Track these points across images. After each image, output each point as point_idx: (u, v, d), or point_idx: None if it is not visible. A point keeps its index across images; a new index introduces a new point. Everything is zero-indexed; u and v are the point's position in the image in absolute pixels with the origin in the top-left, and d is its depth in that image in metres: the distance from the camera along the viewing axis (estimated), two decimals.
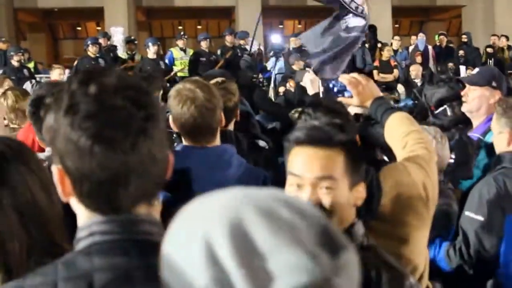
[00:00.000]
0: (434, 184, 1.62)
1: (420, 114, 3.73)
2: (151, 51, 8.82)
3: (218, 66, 8.33)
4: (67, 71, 8.15)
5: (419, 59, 10.26)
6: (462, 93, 2.95)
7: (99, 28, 16.36)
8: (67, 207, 0.92)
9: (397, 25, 18.18)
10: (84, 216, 0.87)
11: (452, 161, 2.62)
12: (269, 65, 9.24)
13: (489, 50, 11.02)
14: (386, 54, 9.57)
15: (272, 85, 8.07)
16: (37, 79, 8.37)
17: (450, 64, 10.06)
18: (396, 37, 10.71)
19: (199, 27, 18.92)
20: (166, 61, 9.30)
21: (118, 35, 12.52)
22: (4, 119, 3.48)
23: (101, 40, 9.45)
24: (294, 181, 1.29)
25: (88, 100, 0.80)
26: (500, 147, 2.28)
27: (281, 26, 19.52)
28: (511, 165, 2.20)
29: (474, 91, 2.86)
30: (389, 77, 9.33)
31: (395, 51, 10.15)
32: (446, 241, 2.25)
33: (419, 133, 1.74)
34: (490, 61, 10.58)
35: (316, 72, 4.05)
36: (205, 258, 0.64)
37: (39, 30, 18.26)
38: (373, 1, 14.32)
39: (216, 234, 0.64)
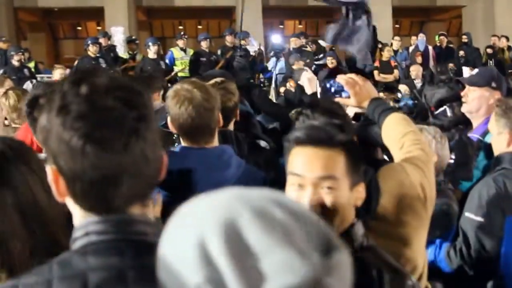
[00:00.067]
0: (431, 185, 1.63)
1: (420, 114, 3.74)
2: (152, 51, 8.82)
3: (218, 66, 8.33)
4: (68, 71, 8.15)
5: (419, 59, 10.26)
6: (462, 94, 2.95)
7: (99, 28, 16.35)
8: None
9: (397, 26, 18.18)
10: (79, 216, 0.88)
11: (452, 161, 2.63)
12: (269, 65, 9.24)
13: (489, 50, 11.02)
14: (386, 54, 9.57)
15: (273, 85, 8.07)
16: (38, 79, 8.37)
17: (451, 65, 10.06)
18: (396, 38, 10.71)
19: (199, 27, 18.92)
20: (167, 61, 9.30)
21: (118, 35, 12.53)
22: (5, 119, 3.49)
23: (101, 40, 9.43)
24: (295, 181, 1.29)
25: (79, 100, 0.80)
26: (499, 148, 2.28)
27: (281, 26, 19.53)
28: (511, 166, 2.20)
29: (474, 92, 2.86)
30: (389, 78, 9.33)
31: (395, 52, 10.14)
32: (446, 242, 2.26)
33: (415, 134, 1.74)
34: (491, 62, 10.59)
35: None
36: (198, 258, 0.65)
37: (39, 30, 18.26)
38: (373, 2, 14.37)
39: (210, 234, 0.65)
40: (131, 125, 0.81)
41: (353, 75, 1.95)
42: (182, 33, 10.44)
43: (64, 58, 17.98)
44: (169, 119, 1.94)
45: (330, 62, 8.71)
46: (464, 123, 3.00)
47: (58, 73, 7.47)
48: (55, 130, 0.81)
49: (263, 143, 2.75)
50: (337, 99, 1.98)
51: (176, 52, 9.60)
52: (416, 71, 8.46)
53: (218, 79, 2.53)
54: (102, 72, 0.85)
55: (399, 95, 6.17)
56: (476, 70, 3.20)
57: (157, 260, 0.73)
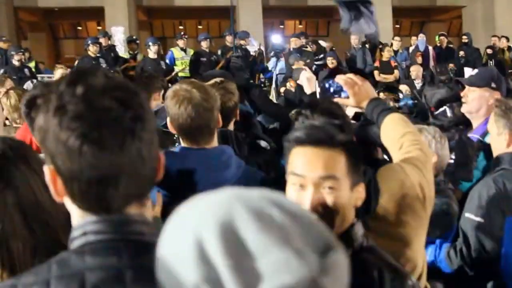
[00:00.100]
0: (430, 185, 1.63)
1: (421, 114, 3.74)
2: (152, 51, 8.80)
3: (219, 66, 8.33)
4: (69, 71, 8.14)
5: (419, 59, 10.26)
6: (461, 94, 2.95)
7: (99, 27, 16.35)
8: None
9: (397, 26, 18.18)
10: (77, 215, 0.88)
11: (452, 161, 2.63)
12: (270, 65, 9.23)
13: (489, 51, 11.02)
14: (386, 54, 9.57)
15: (273, 85, 8.07)
16: (39, 78, 8.37)
17: (451, 65, 10.06)
18: (396, 38, 10.70)
19: (199, 27, 18.93)
20: (167, 61, 9.28)
21: (118, 35, 12.53)
22: (7, 119, 3.50)
23: (101, 40, 9.41)
24: (296, 181, 1.28)
25: (76, 100, 0.80)
26: (499, 148, 2.28)
27: (281, 26, 19.53)
28: (510, 166, 2.21)
29: (474, 92, 2.86)
30: (390, 78, 9.33)
31: (395, 52, 10.14)
32: (446, 242, 2.26)
33: (414, 135, 1.75)
34: (491, 62, 10.59)
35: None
36: (196, 257, 0.65)
37: (39, 30, 18.26)
38: (373, 1, 14.38)
39: (207, 233, 0.66)
40: (127, 125, 0.82)
41: (351, 75, 1.94)
42: (182, 33, 10.43)
43: (64, 58, 18.00)
44: (168, 119, 1.94)
45: (330, 62, 8.71)
46: (464, 123, 3.00)
47: (59, 73, 7.47)
48: (52, 130, 0.81)
49: (263, 143, 2.75)
50: (336, 99, 1.98)
51: (176, 52, 9.59)
52: (416, 71, 8.46)
53: (218, 79, 2.54)
54: (98, 73, 0.85)
55: (401, 95, 6.17)
56: (475, 71, 3.20)
57: (156, 259, 0.74)
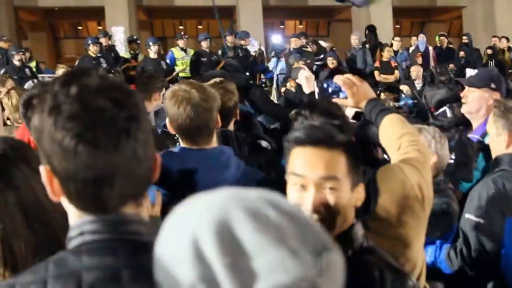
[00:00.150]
0: (429, 185, 1.63)
1: (421, 114, 3.74)
2: (152, 51, 8.79)
3: (219, 66, 8.32)
4: None
5: (419, 60, 10.26)
6: (461, 95, 2.96)
7: (100, 27, 16.35)
8: None
9: (398, 26, 18.17)
10: (74, 215, 0.89)
11: (452, 161, 2.63)
12: (270, 65, 9.23)
13: (489, 51, 11.02)
14: (386, 55, 9.56)
15: (274, 85, 8.06)
16: (39, 78, 8.36)
17: (451, 65, 10.06)
18: (397, 38, 10.67)
19: (200, 27, 18.91)
20: (168, 61, 9.27)
21: (119, 35, 12.51)
22: (8, 119, 3.50)
23: (102, 40, 9.39)
24: (297, 181, 1.28)
25: (70, 100, 0.81)
26: (498, 149, 2.28)
27: (282, 26, 19.52)
28: (510, 167, 2.20)
29: (473, 93, 2.87)
30: (390, 78, 9.33)
31: (396, 52, 10.14)
32: (446, 243, 2.26)
33: (412, 135, 1.75)
34: (491, 63, 10.59)
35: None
36: (192, 257, 0.66)
37: (40, 29, 18.24)
38: (373, 2, 14.39)
39: (204, 233, 0.66)
40: (122, 125, 0.82)
41: (350, 76, 1.94)
42: (182, 33, 10.41)
43: (65, 57, 17.99)
44: (167, 119, 1.95)
45: (331, 62, 8.70)
46: (464, 124, 3.00)
47: (61, 73, 7.47)
48: (48, 130, 0.81)
49: (264, 143, 2.75)
50: (334, 99, 1.98)
51: (176, 52, 9.58)
52: (416, 71, 8.46)
53: (218, 79, 2.54)
54: (92, 73, 0.86)
55: (403, 95, 6.17)
56: (475, 71, 3.20)
57: (154, 259, 0.74)
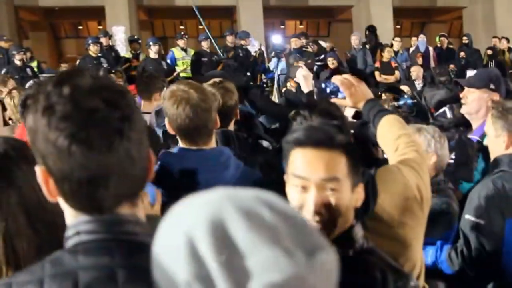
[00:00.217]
0: (426, 186, 1.64)
1: (421, 114, 3.74)
2: (153, 51, 8.78)
3: (220, 67, 8.31)
4: None
5: (420, 60, 10.25)
6: (461, 95, 2.96)
7: (100, 27, 16.33)
8: None
9: (398, 26, 18.17)
10: (70, 215, 0.90)
11: (452, 161, 2.63)
12: (271, 65, 9.22)
13: (489, 52, 11.02)
14: (386, 55, 9.54)
15: (275, 85, 8.05)
16: (41, 78, 8.36)
17: (451, 66, 10.06)
18: (397, 39, 10.64)
19: (200, 26, 18.89)
20: (168, 61, 9.25)
21: (119, 34, 12.50)
22: (10, 119, 3.51)
23: (102, 40, 9.37)
24: (298, 183, 1.28)
25: (63, 101, 0.81)
26: (497, 150, 2.28)
27: (282, 27, 19.50)
28: (509, 168, 2.20)
29: (473, 93, 2.87)
30: (390, 79, 9.32)
31: (396, 53, 10.13)
32: (447, 244, 2.26)
33: (409, 137, 1.76)
34: (491, 63, 10.58)
35: None
36: (187, 254, 0.67)
37: (41, 29, 18.23)
38: (374, 2, 14.40)
39: (199, 232, 0.67)
40: (115, 125, 0.82)
41: (348, 76, 1.95)
42: (182, 33, 10.34)
43: (66, 57, 17.98)
44: (166, 119, 1.95)
45: (331, 62, 8.69)
46: (464, 124, 2.99)
47: None
48: (41, 131, 0.81)
49: (265, 143, 2.75)
50: (333, 100, 1.98)
51: (177, 52, 9.56)
52: (416, 72, 8.45)
53: (217, 79, 2.55)
54: (85, 73, 0.86)
55: (405, 96, 6.17)
56: (474, 72, 3.21)
57: (151, 258, 0.75)
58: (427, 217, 1.64)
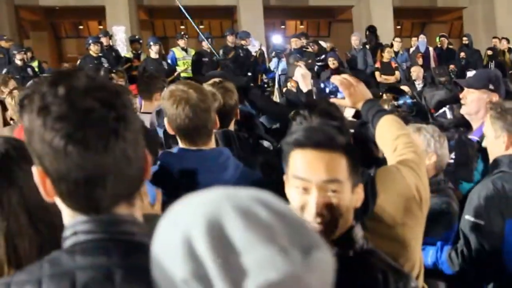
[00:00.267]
0: (425, 186, 1.64)
1: (420, 113, 3.75)
2: (153, 51, 8.77)
3: (219, 69, 8.30)
4: None
5: (420, 61, 10.24)
6: (460, 96, 2.96)
7: (101, 27, 16.33)
8: None
9: (399, 27, 18.17)
10: (68, 215, 0.90)
11: (452, 161, 2.64)
12: (272, 65, 9.22)
13: (489, 52, 11.01)
14: (387, 55, 9.54)
15: (276, 85, 8.05)
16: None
17: (452, 66, 10.05)
18: (397, 39, 10.62)
19: (201, 26, 18.90)
20: (169, 61, 9.23)
21: (120, 34, 12.49)
22: (11, 119, 3.51)
23: (102, 39, 9.35)
24: (299, 184, 1.28)
25: (58, 101, 0.81)
26: (497, 151, 2.27)
27: (283, 27, 19.51)
28: (509, 169, 2.20)
29: (472, 94, 2.87)
30: (391, 79, 9.32)
31: (396, 53, 10.12)
32: (447, 244, 2.27)
33: (408, 137, 1.76)
34: (491, 64, 10.58)
35: None
36: (185, 254, 0.68)
37: (41, 29, 18.21)
38: (374, 2, 14.40)
39: (196, 231, 0.68)
40: (110, 125, 0.82)
41: (347, 76, 1.95)
42: (182, 32, 10.33)
43: (67, 57, 17.98)
44: (165, 119, 1.94)
45: (332, 63, 8.69)
46: (465, 125, 2.99)
47: None
48: (37, 131, 0.82)
49: (266, 144, 2.75)
50: (332, 100, 1.99)
51: (177, 52, 9.53)
52: (417, 72, 8.44)
53: (217, 79, 2.55)
54: (80, 73, 0.86)
55: (407, 96, 6.18)
56: (473, 72, 3.21)
57: (150, 257, 0.76)
58: (426, 217, 1.64)
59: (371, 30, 10.84)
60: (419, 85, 7.99)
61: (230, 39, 9.40)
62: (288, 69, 8.31)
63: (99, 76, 0.90)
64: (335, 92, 1.95)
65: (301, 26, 19.64)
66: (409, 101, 3.98)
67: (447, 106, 3.36)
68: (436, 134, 2.41)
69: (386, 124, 1.79)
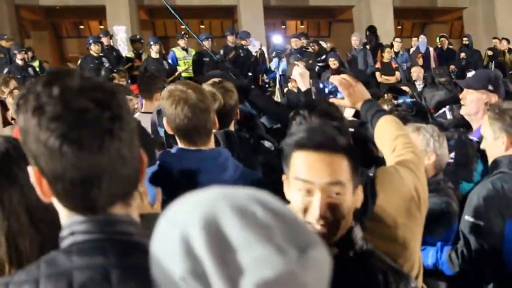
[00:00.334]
0: (424, 187, 1.64)
1: (420, 113, 3.75)
2: (154, 51, 8.76)
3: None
4: None
5: (420, 61, 10.24)
6: (460, 96, 2.97)
7: (102, 26, 16.32)
8: None
9: (399, 27, 18.16)
10: (64, 215, 0.90)
11: (451, 161, 2.64)
12: (272, 65, 9.22)
13: (490, 53, 11.01)
14: (387, 56, 9.53)
15: (277, 85, 8.05)
16: None
17: (452, 67, 10.05)
18: (397, 39, 10.61)
19: (202, 26, 18.90)
20: (169, 61, 9.22)
21: (121, 34, 12.48)
22: (12, 119, 3.51)
23: (103, 39, 9.35)
24: (302, 186, 1.27)
25: (53, 101, 0.81)
26: (496, 152, 2.27)
27: (283, 27, 19.50)
28: (509, 169, 2.21)
29: (472, 94, 2.87)
30: (391, 79, 9.33)
31: (396, 53, 10.12)
32: (447, 245, 2.27)
33: (407, 137, 1.76)
34: (492, 64, 10.58)
35: None
36: (183, 252, 0.69)
37: (42, 28, 18.20)
38: (375, 2, 14.40)
39: (193, 230, 0.69)
40: (105, 125, 0.82)
41: (346, 76, 1.95)
42: (183, 32, 10.31)
43: (68, 57, 17.97)
44: (165, 119, 1.94)
45: (333, 63, 8.69)
46: (465, 125, 3.00)
47: None
48: (32, 131, 0.82)
49: (267, 144, 2.74)
50: (332, 100, 1.99)
51: (178, 52, 9.52)
52: (417, 72, 8.44)
53: (216, 79, 2.55)
54: (74, 74, 0.86)
55: (407, 96, 6.19)
56: (472, 73, 3.21)
57: (149, 255, 0.77)
58: (426, 217, 1.64)
59: (371, 30, 10.84)
60: (419, 85, 7.99)
61: (230, 39, 9.39)
62: (288, 69, 8.31)
63: (94, 76, 0.91)
64: (334, 92, 1.95)
65: (302, 26, 19.64)
66: (408, 100, 3.98)
67: (447, 106, 3.37)
68: (436, 134, 2.41)
69: (385, 124, 1.79)
